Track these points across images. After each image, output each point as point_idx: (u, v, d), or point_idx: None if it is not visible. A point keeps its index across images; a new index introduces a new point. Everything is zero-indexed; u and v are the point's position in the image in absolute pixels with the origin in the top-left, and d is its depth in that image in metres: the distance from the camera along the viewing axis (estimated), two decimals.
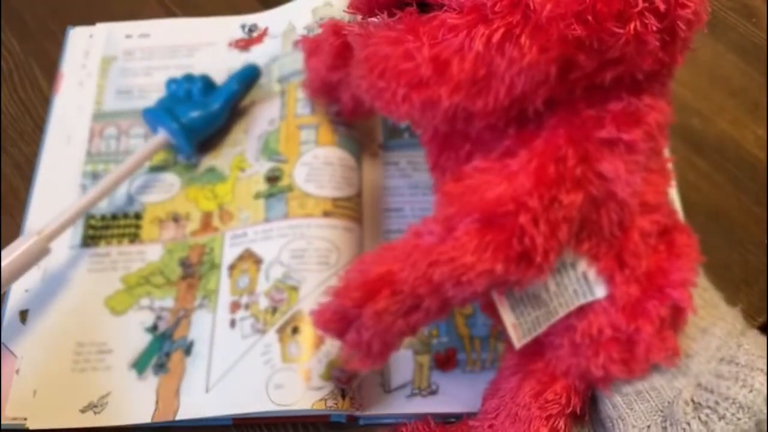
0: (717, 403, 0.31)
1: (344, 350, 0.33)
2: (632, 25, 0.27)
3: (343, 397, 0.40)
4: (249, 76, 0.52)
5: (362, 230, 0.46)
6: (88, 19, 0.57)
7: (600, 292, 0.32)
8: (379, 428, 0.42)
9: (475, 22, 0.28)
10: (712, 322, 0.34)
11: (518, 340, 0.34)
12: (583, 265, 0.32)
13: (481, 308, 0.39)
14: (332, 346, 0.41)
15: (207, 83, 0.51)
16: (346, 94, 0.45)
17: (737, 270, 0.46)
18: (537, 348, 0.36)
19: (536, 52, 0.27)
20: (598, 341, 0.33)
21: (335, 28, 0.42)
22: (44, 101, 0.53)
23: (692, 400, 0.31)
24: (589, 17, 0.27)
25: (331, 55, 0.42)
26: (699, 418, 0.31)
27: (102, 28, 0.56)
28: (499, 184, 0.30)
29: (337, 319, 0.32)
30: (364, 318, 0.31)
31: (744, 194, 0.48)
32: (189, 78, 0.51)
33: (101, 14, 0.57)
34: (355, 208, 0.46)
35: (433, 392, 0.42)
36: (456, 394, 0.42)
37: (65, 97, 0.53)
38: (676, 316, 0.33)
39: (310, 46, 0.46)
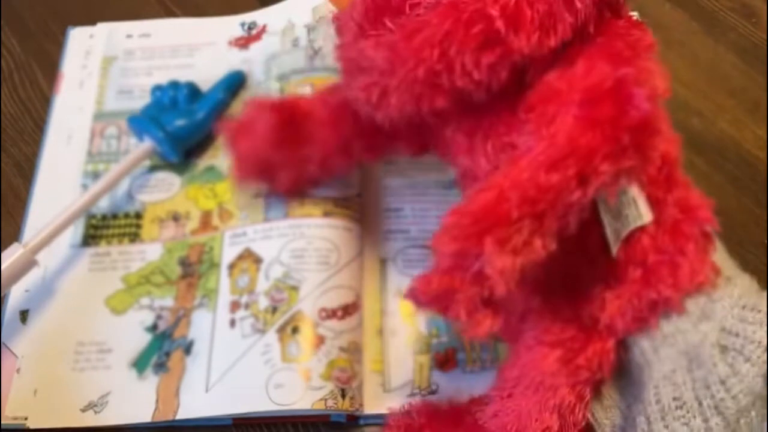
0: (743, 345, 0.31)
1: (465, 321, 0.29)
2: None
3: (343, 396, 0.40)
4: (235, 83, 0.52)
5: (362, 230, 0.46)
6: (88, 19, 0.57)
7: (648, 217, 0.32)
8: (380, 428, 0.41)
9: None
10: (735, 273, 0.34)
11: (613, 244, 0.33)
12: (633, 191, 0.32)
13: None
14: (332, 346, 0.41)
15: (192, 90, 0.51)
16: (286, 172, 0.44)
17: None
18: (571, 315, 0.35)
19: None
20: (645, 267, 0.33)
21: (264, 105, 0.42)
22: (44, 101, 0.53)
23: (718, 343, 0.31)
24: None
25: (275, 130, 0.41)
26: (725, 361, 0.31)
27: (102, 28, 0.56)
28: (587, 73, 0.29)
29: (448, 279, 0.28)
30: (486, 254, 0.27)
31: (744, 194, 0.48)
32: (174, 85, 0.51)
33: (101, 14, 0.57)
34: (355, 208, 0.46)
35: (433, 392, 0.42)
36: (456, 394, 0.41)
37: (65, 97, 0.53)
38: (705, 242, 0.33)
39: (237, 129, 0.43)
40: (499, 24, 0.29)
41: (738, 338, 0.31)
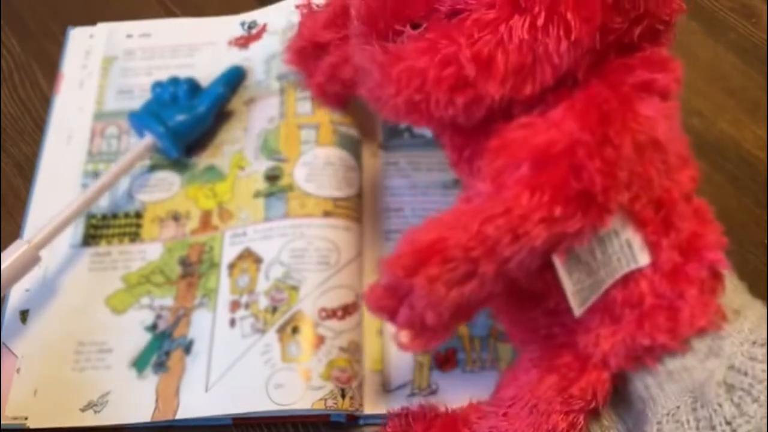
0: (751, 385, 0.30)
1: (396, 332, 0.31)
2: None
3: (343, 396, 0.40)
4: (234, 78, 0.52)
5: (362, 230, 0.46)
6: (88, 19, 0.57)
7: (643, 259, 0.31)
8: (379, 428, 0.41)
9: (510, 14, 0.28)
10: (744, 305, 0.33)
11: (578, 307, 0.33)
12: (627, 233, 0.31)
13: (499, 314, 0.39)
14: (332, 346, 0.41)
15: (192, 86, 0.50)
16: (326, 62, 0.44)
17: (737, 270, 0.45)
18: (564, 340, 0.35)
19: (581, 25, 0.28)
20: (641, 310, 0.32)
21: None
22: (44, 101, 0.53)
23: (725, 382, 0.30)
24: None
25: (334, 11, 0.42)
26: (731, 400, 0.30)
27: (103, 28, 0.56)
28: (546, 130, 0.29)
29: (389, 296, 0.30)
30: (416, 287, 0.28)
31: (744, 194, 0.48)
32: (174, 81, 0.51)
33: (101, 14, 0.57)
34: (355, 208, 0.46)
35: (433, 392, 0.42)
36: (456, 394, 0.41)
37: (65, 97, 0.53)
38: (713, 282, 0.32)
39: (310, 8, 0.45)
40: (469, 70, 0.29)
41: (746, 377, 0.30)
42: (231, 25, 0.56)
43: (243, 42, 0.55)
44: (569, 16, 0.28)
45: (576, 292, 0.32)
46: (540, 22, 0.28)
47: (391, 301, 0.30)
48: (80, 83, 0.54)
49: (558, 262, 0.31)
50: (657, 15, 0.31)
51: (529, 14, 0.28)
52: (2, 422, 0.41)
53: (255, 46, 0.55)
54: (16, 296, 0.45)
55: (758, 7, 0.56)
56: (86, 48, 0.55)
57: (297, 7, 0.46)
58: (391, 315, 0.30)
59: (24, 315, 0.45)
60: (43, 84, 0.54)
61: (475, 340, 0.43)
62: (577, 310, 0.33)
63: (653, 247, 0.31)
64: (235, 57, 0.54)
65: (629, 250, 0.31)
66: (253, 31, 0.55)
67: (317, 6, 0.44)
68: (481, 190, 0.29)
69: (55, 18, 0.57)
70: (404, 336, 0.30)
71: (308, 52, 0.45)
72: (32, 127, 0.52)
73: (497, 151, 0.30)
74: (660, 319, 0.31)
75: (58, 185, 0.49)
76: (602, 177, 0.28)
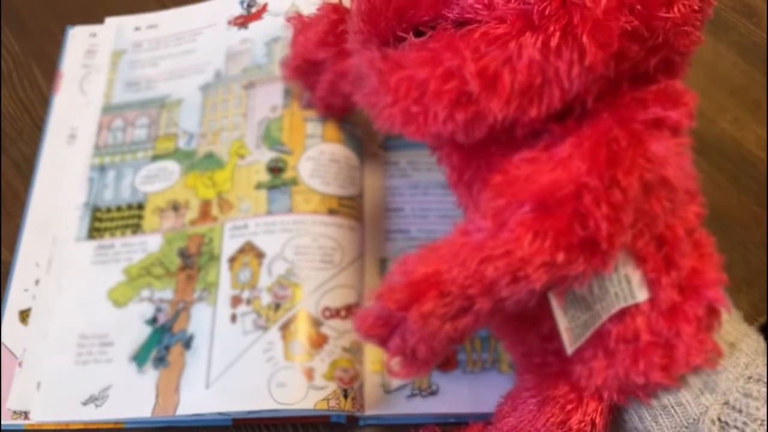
0: (745, 423, 0.30)
1: (387, 358, 0.30)
2: (676, 8, 0.28)
3: (346, 397, 0.40)
4: None
5: (363, 230, 0.46)
6: (88, 18, 0.57)
7: (641, 295, 0.31)
8: (379, 429, 0.42)
9: (522, 31, 0.27)
10: (739, 337, 0.33)
11: (571, 345, 0.32)
12: (627, 268, 0.30)
13: (495, 331, 0.38)
14: (335, 346, 0.41)
15: None
16: (324, 78, 0.44)
17: (737, 270, 0.45)
18: (560, 368, 0.34)
19: (597, 50, 0.26)
20: (636, 347, 0.31)
21: (335, 7, 0.41)
22: (43, 101, 0.53)
23: (719, 419, 0.30)
24: (639, 6, 0.27)
25: (324, 30, 0.41)
26: None
27: (111, 23, 0.56)
28: (552, 169, 0.28)
29: (380, 325, 0.29)
30: (409, 322, 0.28)
31: (744, 194, 0.48)
32: None
33: (101, 14, 0.57)
34: (357, 208, 0.46)
35: (434, 393, 0.42)
36: (456, 395, 0.41)
37: (64, 96, 0.53)
38: (710, 319, 0.31)
39: (301, 23, 0.44)
40: (473, 86, 0.28)
41: (741, 415, 0.30)
42: (231, 4, 0.55)
43: (242, 22, 0.54)
44: (585, 39, 0.26)
45: (570, 328, 0.32)
46: (554, 42, 0.27)
47: (382, 330, 0.29)
48: (80, 82, 0.53)
49: (555, 302, 0.31)
50: (675, 46, 0.29)
51: (543, 33, 0.27)
52: (3, 416, 0.41)
53: (255, 26, 0.54)
54: (16, 293, 0.45)
55: (759, 6, 0.56)
56: (86, 46, 0.55)
57: (288, 20, 0.45)
58: (382, 343, 0.30)
59: (23, 314, 0.45)
60: (42, 84, 0.54)
61: (476, 341, 0.43)
62: (570, 348, 0.32)
63: (652, 285, 0.31)
64: (235, 37, 0.53)
65: (627, 285, 0.30)
66: (253, 10, 0.54)
67: (308, 18, 0.43)
68: (480, 226, 0.28)
69: (54, 18, 0.57)
70: (395, 364, 0.30)
71: (305, 68, 0.44)
72: (31, 127, 0.52)
73: (499, 189, 0.29)
74: (655, 357, 0.31)
75: (61, 182, 0.49)
76: (608, 224, 0.27)
